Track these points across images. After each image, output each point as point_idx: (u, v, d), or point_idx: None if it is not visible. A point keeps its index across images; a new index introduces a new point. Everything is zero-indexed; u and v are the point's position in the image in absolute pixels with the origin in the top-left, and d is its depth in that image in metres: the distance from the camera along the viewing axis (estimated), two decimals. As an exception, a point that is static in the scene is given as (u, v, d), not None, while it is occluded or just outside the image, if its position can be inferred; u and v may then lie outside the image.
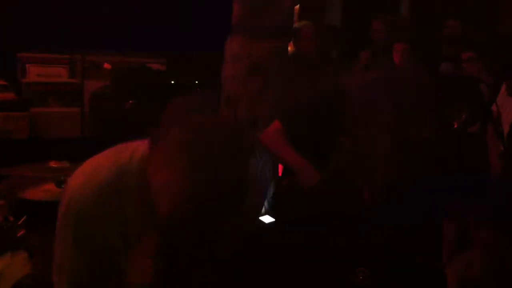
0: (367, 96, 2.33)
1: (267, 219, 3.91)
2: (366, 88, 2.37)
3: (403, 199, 2.31)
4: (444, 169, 2.61)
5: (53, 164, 2.99)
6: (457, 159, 2.84)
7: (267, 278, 2.00)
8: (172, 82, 5.05)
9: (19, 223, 2.24)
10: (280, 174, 3.89)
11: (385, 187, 2.35)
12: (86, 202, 1.14)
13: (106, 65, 5.15)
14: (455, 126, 3.04)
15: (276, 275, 2.05)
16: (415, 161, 2.38)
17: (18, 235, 2.22)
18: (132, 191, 1.14)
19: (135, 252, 1.14)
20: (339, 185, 2.30)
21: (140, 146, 1.17)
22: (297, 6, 5.80)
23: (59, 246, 1.20)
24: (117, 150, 1.20)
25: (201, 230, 1.06)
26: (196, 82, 5.05)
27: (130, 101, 4.43)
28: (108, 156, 1.20)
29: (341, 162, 2.37)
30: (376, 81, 2.46)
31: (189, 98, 1.10)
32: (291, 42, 4.34)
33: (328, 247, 2.17)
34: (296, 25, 4.50)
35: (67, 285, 1.20)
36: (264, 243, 2.04)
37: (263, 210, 3.93)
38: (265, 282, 2.00)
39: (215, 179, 0.99)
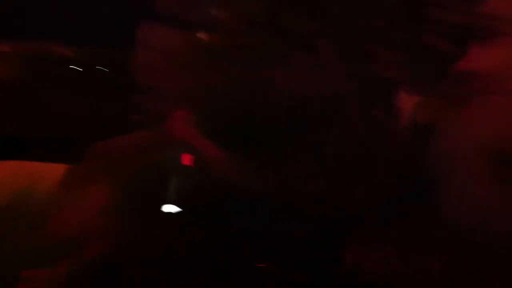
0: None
1: (173, 208, 3.84)
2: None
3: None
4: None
5: None
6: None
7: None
8: (80, 69, 4.84)
9: None
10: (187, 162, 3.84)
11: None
12: None
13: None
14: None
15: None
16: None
17: None
18: (31, 220, 1.08)
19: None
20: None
21: (46, 173, 1.12)
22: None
23: None
24: (13, 170, 1.14)
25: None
26: (107, 70, 4.88)
27: (34, 91, 4.19)
28: (3, 175, 1.13)
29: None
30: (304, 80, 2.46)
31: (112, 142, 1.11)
32: (211, 34, 4.29)
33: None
34: (217, 16, 4.46)
35: None
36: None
37: (170, 198, 3.89)
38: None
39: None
